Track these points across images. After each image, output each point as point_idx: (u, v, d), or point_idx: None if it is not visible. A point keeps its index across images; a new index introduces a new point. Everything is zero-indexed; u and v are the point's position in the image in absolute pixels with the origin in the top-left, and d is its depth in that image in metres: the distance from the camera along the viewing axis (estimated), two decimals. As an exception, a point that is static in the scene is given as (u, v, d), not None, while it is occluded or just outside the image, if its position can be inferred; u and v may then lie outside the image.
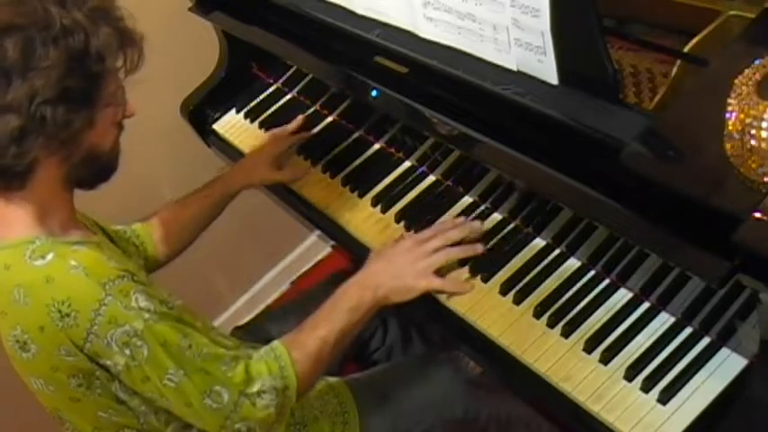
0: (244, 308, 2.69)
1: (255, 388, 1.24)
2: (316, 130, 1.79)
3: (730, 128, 0.97)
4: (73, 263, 1.16)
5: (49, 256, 1.16)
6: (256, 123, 1.89)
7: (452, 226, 1.41)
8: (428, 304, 1.38)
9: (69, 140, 1.17)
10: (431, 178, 1.55)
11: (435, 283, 1.35)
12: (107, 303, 1.15)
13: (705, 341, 1.14)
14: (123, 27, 1.20)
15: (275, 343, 1.31)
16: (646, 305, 1.22)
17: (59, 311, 1.14)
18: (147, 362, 1.17)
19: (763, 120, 0.94)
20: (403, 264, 1.36)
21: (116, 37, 1.18)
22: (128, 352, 1.17)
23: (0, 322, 1.22)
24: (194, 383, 1.20)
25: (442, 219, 1.47)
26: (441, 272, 1.37)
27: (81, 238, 1.24)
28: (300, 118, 1.80)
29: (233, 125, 1.93)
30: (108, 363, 1.18)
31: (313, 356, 1.30)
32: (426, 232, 1.41)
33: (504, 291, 1.32)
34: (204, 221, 1.70)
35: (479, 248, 1.37)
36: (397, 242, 1.42)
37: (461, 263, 1.38)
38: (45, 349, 1.18)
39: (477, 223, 1.41)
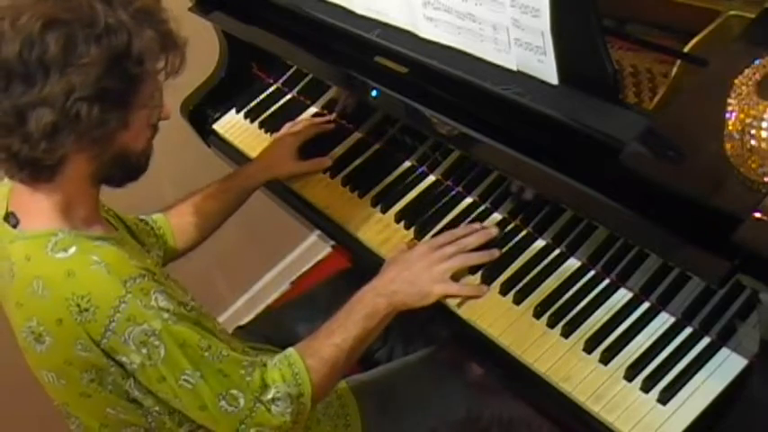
0: (244, 308, 2.70)
1: (270, 395, 1.23)
2: (320, 128, 1.79)
3: (730, 128, 0.97)
4: (95, 258, 1.16)
5: (72, 250, 1.16)
6: (256, 123, 1.89)
7: (469, 232, 1.39)
8: (429, 305, 1.38)
9: (101, 139, 1.16)
10: (431, 178, 1.55)
11: (452, 288, 1.34)
12: (127, 301, 1.15)
13: (705, 341, 1.14)
14: (167, 30, 1.19)
15: (289, 350, 1.30)
16: (646, 305, 1.22)
17: (78, 306, 1.14)
18: (163, 362, 1.17)
19: (763, 120, 0.94)
20: (419, 269, 1.35)
21: (159, 40, 1.16)
22: (144, 351, 1.16)
23: (15, 313, 1.22)
24: (210, 386, 1.20)
25: (444, 220, 1.47)
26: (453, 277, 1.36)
27: (103, 234, 1.24)
28: (311, 115, 1.79)
29: (233, 125, 1.93)
30: (124, 360, 1.18)
31: (328, 363, 1.29)
32: (441, 238, 1.40)
33: (504, 291, 1.32)
34: (224, 215, 1.69)
35: (495, 253, 1.36)
36: (412, 248, 1.40)
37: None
38: (61, 342, 1.18)
39: (493, 230, 1.39)
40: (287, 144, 1.73)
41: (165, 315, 1.16)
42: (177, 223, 1.63)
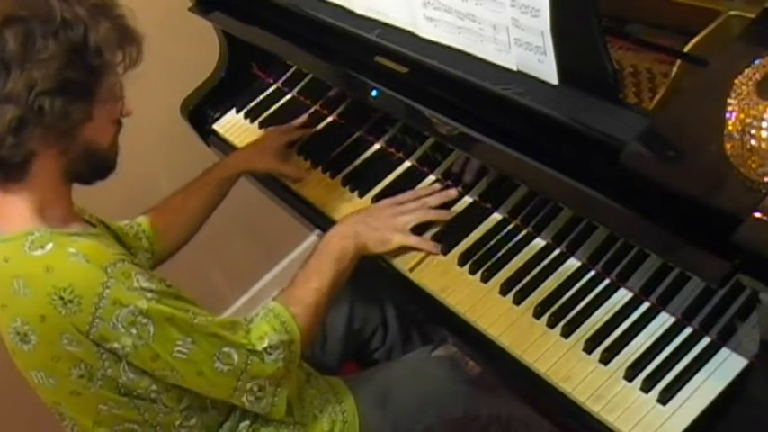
0: (244, 308, 2.69)
1: (264, 344, 1.28)
2: (316, 130, 1.79)
3: (730, 128, 0.97)
4: (72, 250, 1.16)
5: (48, 246, 1.17)
6: (256, 123, 1.89)
7: (429, 192, 1.49)
8: (429, 304, 1.38)
9: (67, 133, 1.18)
10: (431, 178, 1.55)
11: (411, 239, 1.43)
12: (110, 286, 1.15)
13: (705, 341, 1.14)
14: (123, 24, 1.22)
15: (271, 303, 1.35)
16: (646, 305, 1.22)
17: (61, 298, 1.14)
18: (154, 338, 1.19)
19: (763, 120, 0.94)
20: (382, 217, 1.45)
21: (115, 33, 1.20)
22: (134, 331, 1.18)
23: (0, 315, 1.22)
24: (203, 349, 1.22)
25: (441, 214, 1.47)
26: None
27: (80, 230, 1.25)
28: (305, 116, 1.81)
29: (233, 125, 1.93)
30: (115, 345, 1.19)
31: (311, 308, 1.36)
32: (404, 195, 1.50)
33: (504, 291, 1.32)
34: (207, 209, 1.70)
35: (448, 214, 1.46)
36: (375, 204, 1.51)
37: (460, 263, 1.38)
38: (46, 339, 1.18)
39: (452, 191, 1.48)
40: (271, 140, 1.76)
41: (149, 294, 1.18)
42: (162, 224, 1.63)
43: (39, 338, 1.18)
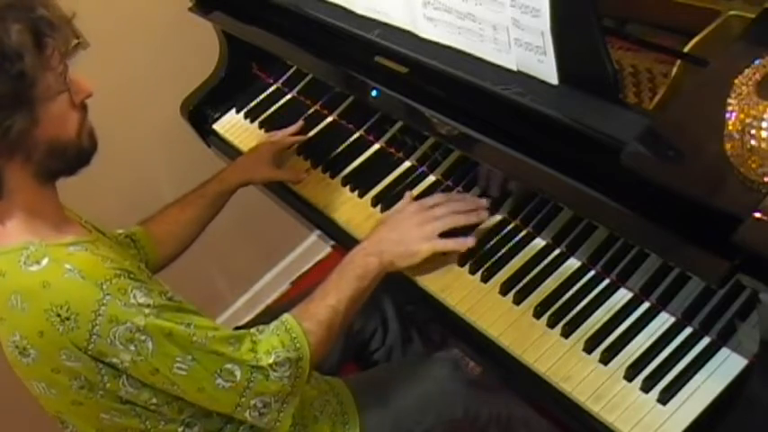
0: (244, 308, 2.70)
1: (270, 360, 1.24)
2: (316, 130, 1.79)
3: (730, 128, 0.97)
4: (68, 266, 1.15)
5: (44, 261, 1.16)
6: (256, 123, 1.89)
7: (459, 198, 1.44)
8: (429, 304, 1.38)
9: (17, 144, 1.14)
10: (431, 178, 1.55)
11: (439, 244, 1.37)
12: (106, 303, 1.14)
13: (705, 341, 1.14)
14: (38, 17, 1.13)
15: (285, 316, 1.31)
16: (646, 305, 1.22)
17: (59, 316, 1.14)
18: (153, 355, 1.17)
19: (763, 120, 0.94)
20: (407, 228, 1.38)
21: (29, 31, 1.12)
22: (132, 348, 1.16)
23: None
24: (204, 366, 1.20)
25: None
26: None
27: (75, 238, 1.23)
28: (300, 122, 1.81)
29: (233, 125, 1.93)
30: (114, 360, 1.18)
31: (324, 325, 1.31)
32: (432, 199, 1.44)
33: (504, 291, 1.32)
34: (203, 221, 1.70)
35: (484, 215, 1.40)
36: (402, 207, 1.44)
37: (461, 263, 1.39)
38: (45, 353, 1.18)
39: (483, 201, 1.42)
40: (264, 150, 1.75)
41: (147, 310, 1.17)
42: (156, 234, 1.63)
43: (38, 353, 1.18)
